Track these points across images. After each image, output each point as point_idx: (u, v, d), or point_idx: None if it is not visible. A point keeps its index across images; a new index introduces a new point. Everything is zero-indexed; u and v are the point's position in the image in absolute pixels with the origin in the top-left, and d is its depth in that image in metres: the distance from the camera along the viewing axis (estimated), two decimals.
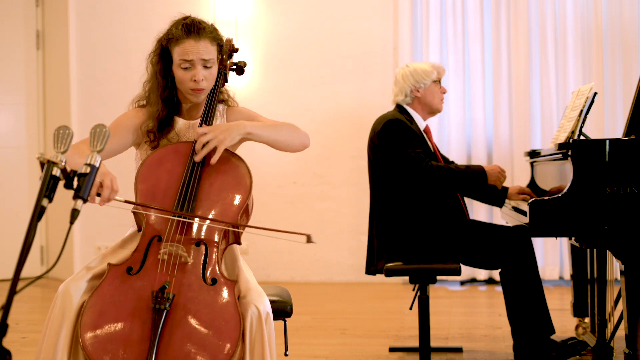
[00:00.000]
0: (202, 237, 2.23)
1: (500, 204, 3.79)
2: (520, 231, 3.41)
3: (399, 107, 3.66)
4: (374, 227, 3.57)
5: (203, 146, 2.32)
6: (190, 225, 2.24)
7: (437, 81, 3.67)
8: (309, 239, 2.13)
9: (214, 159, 2.30)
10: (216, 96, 2.50)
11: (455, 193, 3.57)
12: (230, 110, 2.57)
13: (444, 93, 3.70)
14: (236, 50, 2.61)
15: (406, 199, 3.49)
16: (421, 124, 3.64)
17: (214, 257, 2.20)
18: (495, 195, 3.73)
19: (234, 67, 2.62)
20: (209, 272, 2.17)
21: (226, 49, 2.57)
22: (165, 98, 2.48)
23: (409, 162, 3.42)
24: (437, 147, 3.70)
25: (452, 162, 3.85)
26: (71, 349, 2.14)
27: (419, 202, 3.48)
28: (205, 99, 2.50)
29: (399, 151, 3.45)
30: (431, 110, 3.69)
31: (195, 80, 2.42)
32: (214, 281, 2.16)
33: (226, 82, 2.59)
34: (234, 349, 2.05)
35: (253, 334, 2.15)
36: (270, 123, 2.49)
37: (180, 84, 2.46)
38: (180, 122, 2.51)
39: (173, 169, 2.33)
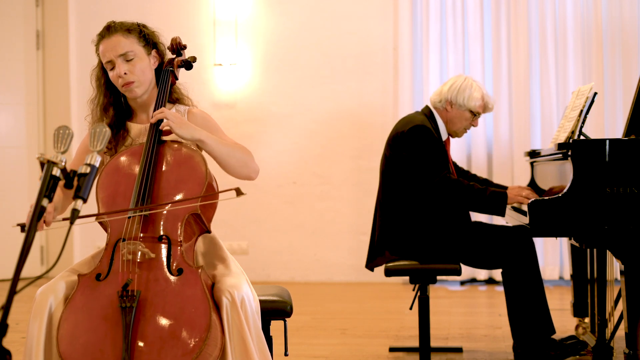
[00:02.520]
0: (162, 231, 2.25)
1: (501, 213, 3.44)
2: (521, 231, 3.40)
3: (429, 111, 3.61)
4: (377, 223, 3.57)
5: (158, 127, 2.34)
6: (149, 221, 2.26)
7: (476, 113, 3.59)
8: (238, 192, 2.14)
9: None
10: (165, 93, 2.48)
11: (466, 209, 3.49)
12: (192, 114, 2.52)
13: (473, 126, 3.64)
14: (184, 47, 2.59)
15: (413, 200, 3.48)
16: (444, 134, 3.61)
17: (179, 249, 2.22)
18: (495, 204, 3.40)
19: (182, 63, 2.59)
20: (174, 264, 2.19)
21: (171, 48, 2.57)
22: (115, 105, 2.50)
23: (426, 170, 3.39)
24: (451, 160, 3.67)
25: (474, 175, 3.84)
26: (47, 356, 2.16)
27: (424, 203, 3.47)
28: (155, 97, 2.49)
29: (420, 158, 3.41)
30: (451, 131, 3.63)
31: (120, 77, 2.42)
32: (180, 271, 2.18)
33: (176, 79, 2.57)
34: (206, 333, 2.07)
35: (230, 321, 2.15)
36: (228, 142, 2.43)
37: (117, 86, 2.47)
38: (134, 128, 2.51)
39: (129, 171, 2.36)
